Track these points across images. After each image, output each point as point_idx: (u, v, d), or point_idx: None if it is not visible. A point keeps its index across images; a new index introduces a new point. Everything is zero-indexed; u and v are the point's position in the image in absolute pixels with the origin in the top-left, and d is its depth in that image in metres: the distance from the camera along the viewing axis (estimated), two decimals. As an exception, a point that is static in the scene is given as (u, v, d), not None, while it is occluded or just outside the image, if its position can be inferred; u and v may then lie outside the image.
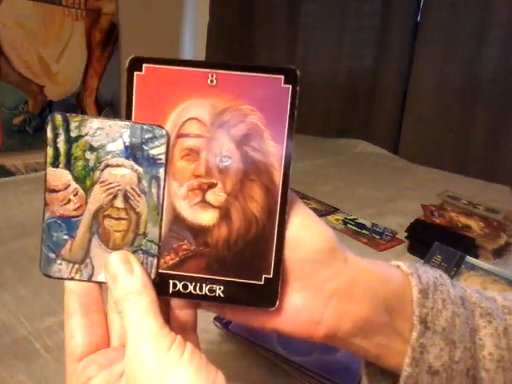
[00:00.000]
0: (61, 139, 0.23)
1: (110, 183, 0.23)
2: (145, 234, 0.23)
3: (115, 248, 0.23)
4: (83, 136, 0.22)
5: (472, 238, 0.83)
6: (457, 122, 1.55)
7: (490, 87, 1.47)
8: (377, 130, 1.75)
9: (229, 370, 0.45)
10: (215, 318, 0.51)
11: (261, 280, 0.23)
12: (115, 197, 0.23)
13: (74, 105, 1.83)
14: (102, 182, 0.23)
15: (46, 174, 0.23)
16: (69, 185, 0.23)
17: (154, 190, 0.23)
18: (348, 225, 0.90)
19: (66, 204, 0.23)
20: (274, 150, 0.23)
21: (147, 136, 0.23)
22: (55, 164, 0.23)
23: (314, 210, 0.97)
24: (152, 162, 0.23)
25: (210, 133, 0.23)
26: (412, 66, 1.63)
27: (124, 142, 0.22)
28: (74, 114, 0.23)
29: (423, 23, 1.59)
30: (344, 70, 1.82)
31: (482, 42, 1.46)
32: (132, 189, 0.23)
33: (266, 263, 0.23)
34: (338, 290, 0.25)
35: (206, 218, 0.24)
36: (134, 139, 0.22)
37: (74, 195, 0.23)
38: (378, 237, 0.86)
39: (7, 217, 0.77)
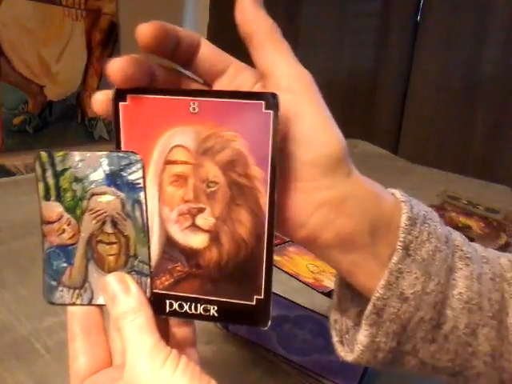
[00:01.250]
0: (48, 174, 0.24)
1: (98, 210, 0.24)
2: (136, 256, 0.25)
3: (110, 271, 0.25)
4: (68, 169, 0.24)
5: (472, 238, 0.83)
6: (457, 121, 1.55)
7: (490, 87, 1.47)
8: (377, 130, 1.75)
9: (228, 370, 0.46)
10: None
11: (252, 301, 0.24)
12: (104, 223, 0.24)
13: (74, 105, 1.83)
14: (90, 210, 0.24)
15: (40, 208, 0.25)
16: (62, 215, 0.24)
17: (137, 214, 0.24)
18: (348, 225, 0.90)
19: (61, 234, 0.25)
20: (258, 174, 0.23)
21: (124, 163, 0.24)
22: (47, 197, 0.24)
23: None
24: (132, 186, 0.24)
25: (195, 159, 0.24)
26: (412, 66, 1.63)
27: (104, 171, 0.24)
28: (56, 151, 0.24)
29: (423, 23, 1.59)
30: (344, 70, 1.82)
31: (482, 42, 1.46)
32: (118, 214, 0.24)
33: (256, 285, 0.24)
34: (330, 201, 0.25)
35: (197, 241, 0.25)
36: (112, 167, 0.24)
37: (68, 225, 0.25)
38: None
39: (7, 217, 0.77)
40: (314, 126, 0.25)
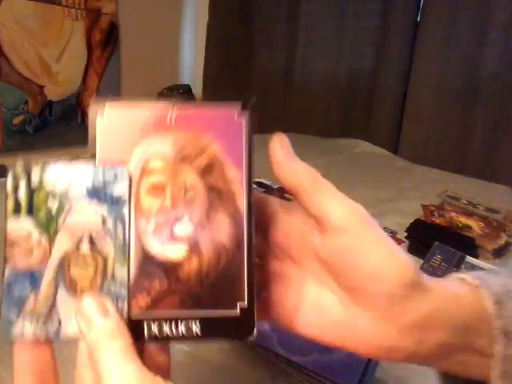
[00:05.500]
0: (22, 188, 0.22)
1: (74, 229, 0.22)
2: (113, 277, 0.23)
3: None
4: (44, 182, 0.22)
5: (472, 238, 0.83)
6: (457, 122, 1.55)
7: (490, 87, 1.47)
8: (377, 130, 1.75)
9: (229, 370, 0.46)
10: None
11: (236, 309, 0.23)
12: (80, 242, 0.22)
13: (74, 105, 1.84)
14: (65, 229, 0.22)
15: (6, 226, 0.22)
16: (31, 236, 0.22)
17: (119, 231, 0.23)
18: (348, 225, 0.90)
19: (28, 256, 0.22)
20: (234, 179, 0.23)
21: (109, 178, 0.23)
22: (16, 214, 0.22)
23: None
24: (116, 202, 0.23)
25: (172, 167, 0.24)
26: (412, 66, 1.63)
27: (86, 186, 0.22)
28: (36, 162, 0.22)
29: (423, 23, 1.60)
30: (344, 70, 1.82)
31: (482, 42, 1.46)
32: (97, 232, 0.22)
33: (239, 291, 0.23)
34: (416, 321, 0.25)
35: (176, 252, 0.23)
36: (95, 182, 0.22)
37: (38, 246, 0.22)
38: (377, 237, 0.86)
39: (7, 217, 0.77)
40: (380, 259, 0.25)
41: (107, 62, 1.91)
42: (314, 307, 0.27)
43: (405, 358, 0.26)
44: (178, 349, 0.47)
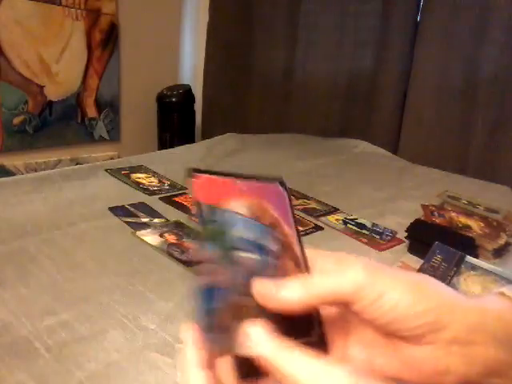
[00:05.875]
0: (207, 220, 0.28)
1: (241, 266, 0.27)
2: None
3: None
4: (218, 221, 0.28)
5: (472, 238, 0.83)
6: (457, 122, 1.55)
7: (490, 87, 1.47)
8: (377, 130, 1.75)
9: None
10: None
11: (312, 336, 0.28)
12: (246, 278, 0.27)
13: (74, 105, 1.84)
14: (234, 264, 0.27)
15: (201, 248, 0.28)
16: (214, 259, 0.27)
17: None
18: (348, 225, 0.90)
19: (215, 275, 0.27)
20: (289, 234, 0.30)
21: (262, 231, 0.29)
22: (201, 239, 0.28)
23: (314, 209, 0.97)
24: (270, 254, 0.28)
25: None
26: (412, 66, 1.63)
27: (246, 234, 0.28)
28: (216, 206, 0.29)
29: (423, 23, 1.60)
30: (344, 70, 1.82)
31: (482, 42, 1.46)
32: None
33: (311, 323, 0.29)
34: (456, 338, 0.25)
35: None
36: (251, 232, 0.28)
37: (220, 268, 0.27)
38: (377, 237, 0.86)
39: (7, 217, 0.77)
40: (406, 305, 0.26)
41: (107, 62, 1.92)
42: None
43: (459, 380, 0.26)
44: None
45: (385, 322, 0.26)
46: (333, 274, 0.27)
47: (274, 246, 0.29)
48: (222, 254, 0.28)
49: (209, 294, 0.27)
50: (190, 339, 0.26)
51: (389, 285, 0.26)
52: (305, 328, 0.28)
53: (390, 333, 0.26)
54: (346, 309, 0.27)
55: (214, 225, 0.28)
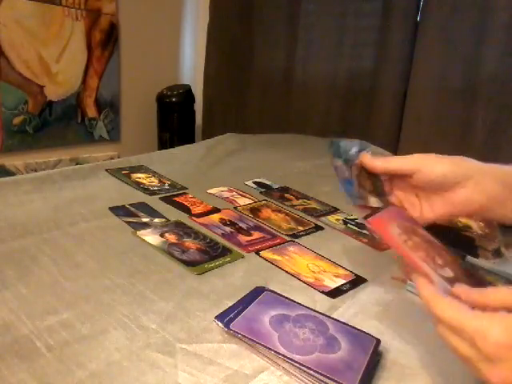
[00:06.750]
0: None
1: None
2: None
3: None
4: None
5: (472, 238, 0.84)
6: (457, 121, 1.55)
7: (490, 87, 1.47)
8: (377, 130, 1.75)
9: (229, 370, 0.46)
10: (216, 317, 0.52)
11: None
12: None
13: (74, 105, 1.84)
14: None
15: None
16: None
17: None
18: (348, 225, 0.90)
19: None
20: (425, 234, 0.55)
21: None
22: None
23: (314, 209, 0.97)
24: None
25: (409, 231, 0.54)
26: (412, 66, 1.63)
27: None
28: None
29: (423, 23, 1.60)
30: (344, 70, 1.82)
31: (482, 42, 1.46)
32: None
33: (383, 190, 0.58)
34: (477, 181, 0.50)
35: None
36: None
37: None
38: (378, 237, 0.86)
39: (8, 217, 0.77)
40: (449, 170, 0.53)
41: (107, 62, 1.91)
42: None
43: (479, 208, 0.50)
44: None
45: (436, 183, 0.52)
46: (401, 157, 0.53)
47: None
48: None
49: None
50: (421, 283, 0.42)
51: (436, 162, 0.55)
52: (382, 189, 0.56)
53: (440, 188, 0.51)
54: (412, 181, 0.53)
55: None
